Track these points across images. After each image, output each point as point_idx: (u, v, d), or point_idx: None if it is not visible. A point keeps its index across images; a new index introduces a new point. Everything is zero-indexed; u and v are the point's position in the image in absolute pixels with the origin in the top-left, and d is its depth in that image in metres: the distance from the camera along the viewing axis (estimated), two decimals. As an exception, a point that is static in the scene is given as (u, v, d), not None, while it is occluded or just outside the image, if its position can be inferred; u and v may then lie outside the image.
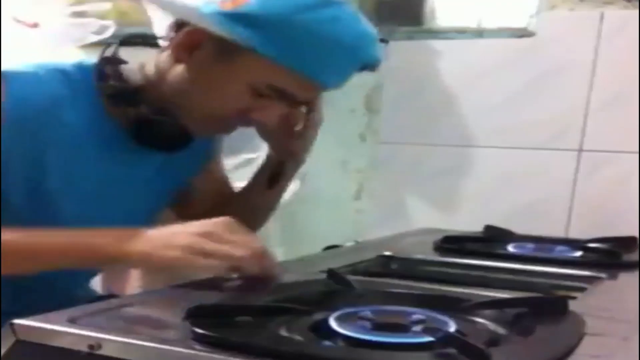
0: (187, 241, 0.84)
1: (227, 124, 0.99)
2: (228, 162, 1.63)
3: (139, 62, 1.02)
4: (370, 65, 0.98)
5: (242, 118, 0.96)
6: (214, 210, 1.09)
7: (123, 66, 1.00)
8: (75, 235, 0.87)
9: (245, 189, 1.20)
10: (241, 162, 1.62)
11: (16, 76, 0.92)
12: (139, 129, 0.99)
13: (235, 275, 0.87)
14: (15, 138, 0.90)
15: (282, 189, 1.17)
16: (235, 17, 0.88)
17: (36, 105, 0.92)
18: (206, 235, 0.84)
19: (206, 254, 0.83)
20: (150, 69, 1.00)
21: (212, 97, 0.95)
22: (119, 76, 0.99)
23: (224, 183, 1.26)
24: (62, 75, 0.96)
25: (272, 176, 1.12)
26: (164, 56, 0.98)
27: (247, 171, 1.61)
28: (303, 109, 1.04)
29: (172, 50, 0.96)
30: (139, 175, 1.05)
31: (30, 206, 0.94)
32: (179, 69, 0.96)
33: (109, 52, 1.01)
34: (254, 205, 1.18)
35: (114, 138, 0.99)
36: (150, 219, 1.09)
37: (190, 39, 0.94)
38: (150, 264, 0.89)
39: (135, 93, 0.98)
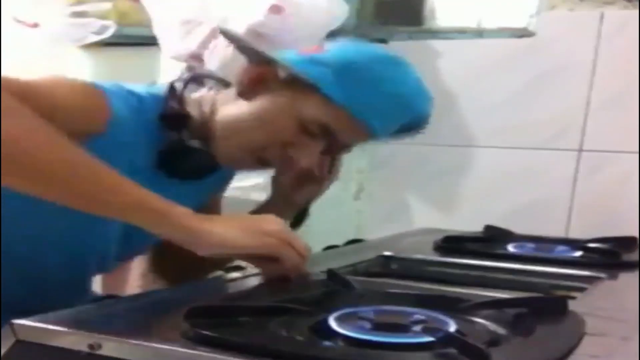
0: (276, 228, 0.85)
1: (263, 158, 0.98)
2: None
3: (196, 98, 1.04)
4: (418, 120, 1.01)
5: (279, 153, 0.97)
6: None
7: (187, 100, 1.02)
8: (153, 195, 0.83)
9: None
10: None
11: (114, 95, 0.93)
12: (166, 156, 0.99)
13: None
14: (111, 158, 0.86)
15: None
16: (310, 61, 0.94)
17: (132, 128, 0.93)
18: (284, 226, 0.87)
19: (290, 244, 0.85)
20: (206, 104, 1.01)
21: (259, 125, 0.96)
22: (183, 110, 1.00)
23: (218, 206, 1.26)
24: (139, 102, 0.97)
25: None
26: (224, 93, 1.01)
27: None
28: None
29: (238, 85, 0.98)
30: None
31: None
32: (240, 104, 0.98)
33: (178, 85, 1.02)
34: None
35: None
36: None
37: (258, 77, 0.97)
38: (226, 247, 0.84)
39: (186, 122, 0.99)
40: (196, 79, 1.09)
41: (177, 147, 0.99)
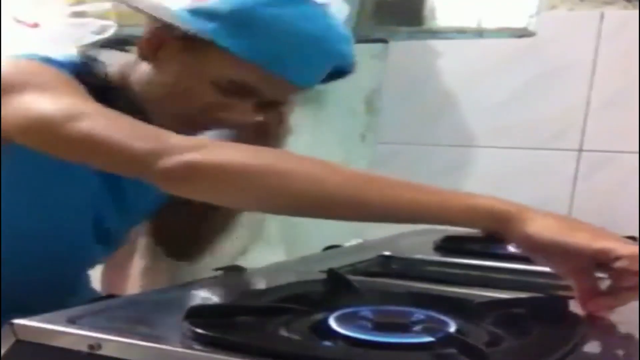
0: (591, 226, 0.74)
1: (196, 124, 0.97)
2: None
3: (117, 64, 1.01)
4: (341, 61, 0.96)
5: (211, 118, 0.95)
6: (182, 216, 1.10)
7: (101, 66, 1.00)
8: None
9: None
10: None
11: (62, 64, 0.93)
12: None
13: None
14: None
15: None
16: (198, 12, 0.88)
17: None
18: None
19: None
20: (113, 70, 0.99)
21: (177, 95, 0.94)
22: (102, 75, 0.98)
23: None
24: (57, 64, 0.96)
25: None
26: (127, 57, 0.99)
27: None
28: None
29: (137, 48, 0.95)
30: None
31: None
32: (144, 67, 0.95)
33: (92, 52, 1.01)
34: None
35: None
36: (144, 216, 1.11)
37: (155, 37, 0.93)
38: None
39: (117, 91, 0.97)
40: (113, 43, 1.05)
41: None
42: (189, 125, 0.96)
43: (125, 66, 0.98)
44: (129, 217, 1.07)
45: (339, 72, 0.98)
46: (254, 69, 0.89)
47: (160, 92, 0.95)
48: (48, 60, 0.97)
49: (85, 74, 0.97)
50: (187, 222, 1.13)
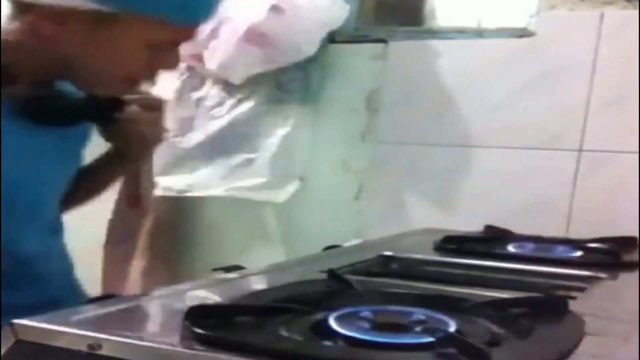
0: None
1: (129, 82, 1.03)
2: (228, 162, 1.63)
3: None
4: None
5: (149, 74, 1.03)
6: None
7: None
8: None
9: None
10: (241, 162, 1.62)
11: None
12: (29, 109, 1.02)
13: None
14: None
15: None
16: None
17: None
18: None
19: None
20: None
21: (114, 63, 0.99)
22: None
23: None
24: None
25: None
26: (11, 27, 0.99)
27: (247, 171, 1.62)
28: None
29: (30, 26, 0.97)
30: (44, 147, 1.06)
31: None
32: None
33: None
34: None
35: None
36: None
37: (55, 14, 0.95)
38: None
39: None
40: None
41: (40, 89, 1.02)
42: (130, 84, 1.04)
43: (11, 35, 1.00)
44: None
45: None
46: (172, 25, 0.97)
47: (86, 65, 1.00)
48: None
49: None
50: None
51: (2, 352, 0.63)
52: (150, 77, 1.05)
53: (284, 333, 0.66)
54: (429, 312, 0.69)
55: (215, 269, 0.94)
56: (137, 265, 1.67)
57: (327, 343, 0.64)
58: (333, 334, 0.64)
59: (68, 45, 0.98)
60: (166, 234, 1.71)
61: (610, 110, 1.45)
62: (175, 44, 1.02)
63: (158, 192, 1.58)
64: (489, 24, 1.56)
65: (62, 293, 1.11)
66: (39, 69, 1.01)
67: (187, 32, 1.02)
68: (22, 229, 1.04)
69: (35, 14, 0.96)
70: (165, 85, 1.69)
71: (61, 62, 1.00)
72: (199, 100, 1.65)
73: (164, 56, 1.02)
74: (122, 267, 1.65)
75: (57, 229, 1.15)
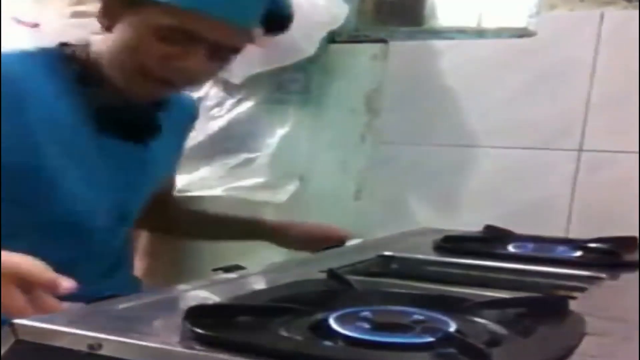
0: None
1: (158, 80, 1.02)
2: (228, 162, 1.63)
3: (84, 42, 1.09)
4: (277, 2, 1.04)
5: (168, 70, 1.00)
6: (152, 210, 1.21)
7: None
8: None
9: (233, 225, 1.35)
10: (241, 162, 1.62)
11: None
12: (104, 118, 1.06)
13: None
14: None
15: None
16: None
17: (16, 85, 0.98)
18: None
19: None
20: (94, 49, 1.06)
21: (131, 53, 1.00)
22: (80, 56, 1.06)
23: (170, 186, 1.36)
24: (29, 57, 1.04)
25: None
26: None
27: (247, 171, 1.62)
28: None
29: (98, 22, 1.02)
30: (115, 161, 1.09)
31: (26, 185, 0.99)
32: (108, 37, 1.02)
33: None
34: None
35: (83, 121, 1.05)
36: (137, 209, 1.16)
37: (105, 6, 1.01)
38: None
39: (95, 70, 1.04)
40: None
41: (118, 103, 1.05)
42: (153, 82, 1.02)
43: (100, 43, 1.05)
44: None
45: (279, 18, 1.06)
46: (186, 13, 0.96)
47: (120, 56, 1.01)
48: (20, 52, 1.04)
49: (62, 60, 1.04)
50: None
51: (2, 352, 0.63)
52: (180, 78, 1.03)
53: (284, 333, 0.66)
54: (429, 312, 0.69)
55: (215, 269, 0.94)
56: (137, 265, 1.67)
57: (327, 343, 0.64)
58: (333, 334, 0.64)
59: (118, 35, 1.01)
60: (166, 234, 1.71)
61: (610, 110, 1.45)
62: (193, 38, 0.99)
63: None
64: (489, 24, 1.55)
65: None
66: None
67: (217, 29, 0.99)
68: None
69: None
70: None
71: (112, 58, 1.03)
72: (199, 100, 1.65)
73: (188, 54, 0.99)
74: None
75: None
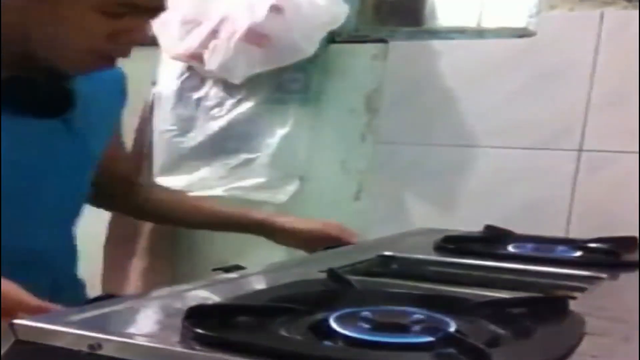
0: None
1: (99, 56, 0.98)
2: (228, 162, 1.63)
3: None
4: None
5: (114, 45, 0.97)
6: (124, 199, 1.14)
7: None
8: None
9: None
10: (241, 162, 1.62)
11: None
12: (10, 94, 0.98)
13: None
14: None
15: None
16: None
17: None
18: None
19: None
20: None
21: (74, 32, 0.95)
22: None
23: (127, 167, 1.31)
24: None
25: None
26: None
27: (247, 171, 1.62)
28: None
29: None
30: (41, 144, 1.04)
31: None
32: (44, 13, 0.95)
33: None
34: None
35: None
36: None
37: None
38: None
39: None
40: None
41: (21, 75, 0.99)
42: (96, 58, 0.98)
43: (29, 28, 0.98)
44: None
45: None
46: None
47: (61, 34, 0.96)
48: None
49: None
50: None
51: (2, 352, 0.63)
52: (123, 51, 1.00)
53: (284, 333, 0.66)
54: (429, 312, 0.69)
55: (215, 269, 0.94)
56: (137, 265, 1.67)
57: (327, 343, 0.64)
58: (333, 334, 0.64)
59: (22, 15, 0.94)
60: (166, 234, 1.71)
61: (610, 110, 1.45)
62: (138, 9, 0.96)
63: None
64: (489, 24, 1.55)
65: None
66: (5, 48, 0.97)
67: None
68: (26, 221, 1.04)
69: None
70: (165, 85, 1.69)
71: (22, 36, 0.96)
72: (199, 100, 1.65)
73: (129, 24, 0.96)
74: (122, 267, 1.65)
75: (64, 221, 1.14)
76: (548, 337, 0.64)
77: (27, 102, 1.00)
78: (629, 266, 1.03)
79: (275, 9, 1.49)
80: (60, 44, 0.96)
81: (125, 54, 1.01)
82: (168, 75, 1.67)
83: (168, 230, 1.69)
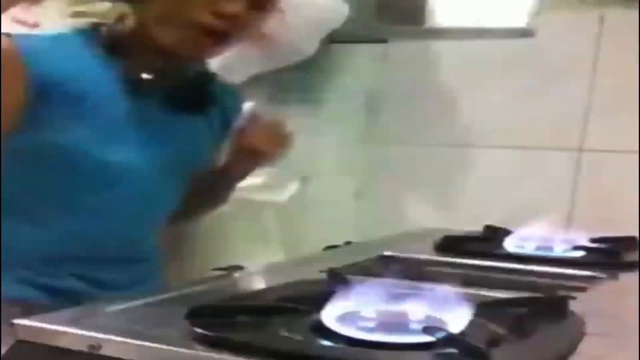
0: None
1: (204, 31, 1.01)
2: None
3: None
4: None
5: (213, 17, 0.99)
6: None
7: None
8: None
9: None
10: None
11: (35, 54, 0.97)
12: (150, 89, 1.03)
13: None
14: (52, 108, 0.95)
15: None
16: None
17: (57, 66, 0.98)
18: None
19: None
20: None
21: (178, 9, 0.99)
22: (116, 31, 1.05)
23: None
24: (66, 38, 1.05)
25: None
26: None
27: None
28: None
29: None
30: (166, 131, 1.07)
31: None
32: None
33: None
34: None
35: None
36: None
37: None
38: None
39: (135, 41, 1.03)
40: None
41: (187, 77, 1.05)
42: (202, 35, 1.00)
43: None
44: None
45: None
46: None
47: (168, 14, 1.01)
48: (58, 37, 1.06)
49: (99, 37, 1.06)
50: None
51: (2, 352, 0.63)
52: (227, 30, 1.02)
53: (284, 333, 0.66)
54: (429, 312, 0.69)
55: (215, 269, 0.94)
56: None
57: (327, 343, 0.64)
58: (333, 334, 0.64)
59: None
60: (166, 235, 1.71)
61: (610, 110, 1.46)
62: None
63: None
64: (489, 24, 1.55)
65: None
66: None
67: None
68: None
69: None
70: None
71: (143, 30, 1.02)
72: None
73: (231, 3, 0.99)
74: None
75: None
76: (548, 337, 0.64)
77: (166, 97, 1.05)
78: (629, 266, 1.03)
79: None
80: (166, 19, 1.00)
81: (229, 28, 1.02)
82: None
83: (168, 231, 1.69)
